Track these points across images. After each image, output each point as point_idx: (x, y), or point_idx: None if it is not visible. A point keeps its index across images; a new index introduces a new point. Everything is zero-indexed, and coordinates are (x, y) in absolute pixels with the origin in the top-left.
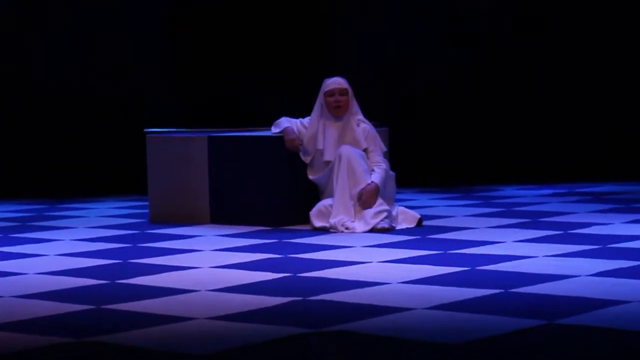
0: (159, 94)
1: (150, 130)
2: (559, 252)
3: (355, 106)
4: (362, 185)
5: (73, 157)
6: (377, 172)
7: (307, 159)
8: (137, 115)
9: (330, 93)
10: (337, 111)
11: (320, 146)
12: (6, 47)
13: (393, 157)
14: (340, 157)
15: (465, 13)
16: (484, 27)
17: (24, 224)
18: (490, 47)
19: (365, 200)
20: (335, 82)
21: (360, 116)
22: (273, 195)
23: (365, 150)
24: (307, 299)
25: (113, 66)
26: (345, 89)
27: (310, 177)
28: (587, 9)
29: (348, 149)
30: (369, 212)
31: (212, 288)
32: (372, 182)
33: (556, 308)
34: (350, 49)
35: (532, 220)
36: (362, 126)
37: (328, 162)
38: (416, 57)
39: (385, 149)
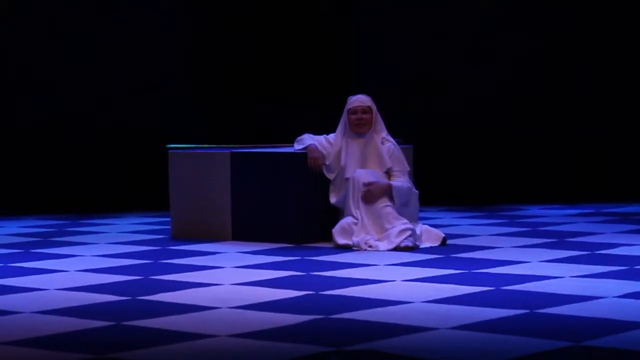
0: (181, 110)
1: (172, 146)
2: (585, 273)
3: (380, 124)
4: (380, 204)
5: (95, 172)
6: (398, 180)
7: (330, 176)
8: (159, 131)
9: (353, 111)
10: (359, 128)
11: (342, 163)
12: (31, 66)
13: (417, 175)
14: (353, 183)
15: (489, 31)
16: (507, 45)
17: (45, 240)
18: (515, 65)
19: (370, 189)
20: (358, 100)
21: (385, 134)
22: (295, 212)
23: (388, 169)
24: (329, 317)
25: (136, 82)
26: (368, 107)
27: (332, 201)
28: (606, 39)
29: (360, 173)
30: (393, 230)
31: (233, 305)
32: (389, 182)
33: (583, 329)
34: (374, 66)
35: (558, 240)
36: (386, 145)
37: (348, 180)
38: (441, 74)
39: (409, 169)
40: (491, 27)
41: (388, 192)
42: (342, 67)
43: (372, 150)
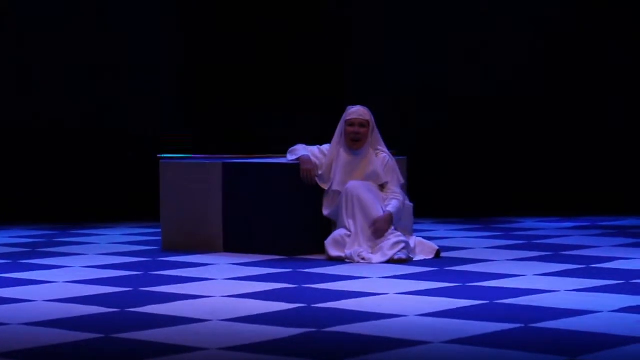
0: (172, 120)
1: (163, 156)
2: (581, 287)
3: (376, 137)
4: (375, 216)
5: (85, 182)
6: (393, 202)
7: (325, 186)
8: (150, 141)
9: (351, 123)
10: (354, 144)
11: (332, 175)
12: (21, 76)
13: (411, 187)
14: (347, 194)
15: (485, 43)
16: (500, 58)
17: (34, 250)
18: (510, 75)
19: (378, 227)
20: (357, 113)
21: (380, 146)
22: (288, 223)
23: (383, 183)
24: (321, 330)
25: (127, 92)
26: (367, 121)
27: (325, 213)
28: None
29: (355, 184)
30: (387, 243)
31: (224, 318)
32: (387, 211)
33: (578, 344)
34: (367, 77)
35: (554, 253)
36: (381, 156)
37: (337, 192)
38: (434, 86)
39: (402, 182)
40: (487, 41)
41: (391, 219)
42: (336, 76)
43: (366, 164)
